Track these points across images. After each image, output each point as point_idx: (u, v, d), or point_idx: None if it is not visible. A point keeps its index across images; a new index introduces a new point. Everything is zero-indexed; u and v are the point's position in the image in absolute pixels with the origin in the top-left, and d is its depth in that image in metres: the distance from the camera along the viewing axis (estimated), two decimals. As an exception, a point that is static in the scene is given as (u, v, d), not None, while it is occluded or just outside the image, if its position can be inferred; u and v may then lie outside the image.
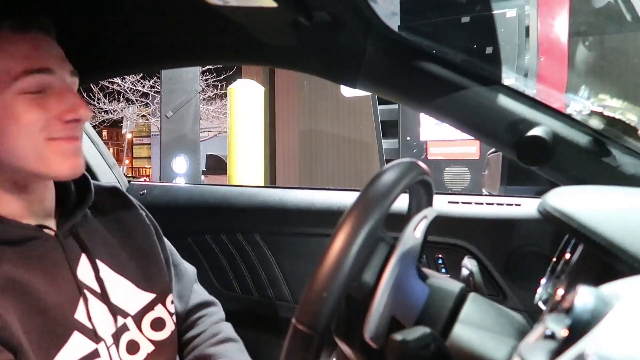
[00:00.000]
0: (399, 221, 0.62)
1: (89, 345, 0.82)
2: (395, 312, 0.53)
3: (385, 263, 0.53)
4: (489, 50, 1.03)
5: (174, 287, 1.04)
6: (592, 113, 0.92)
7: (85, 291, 0.85)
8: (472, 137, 0.98)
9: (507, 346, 0.50)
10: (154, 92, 11.35)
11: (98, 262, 0.89)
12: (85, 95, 6.63)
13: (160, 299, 0.95)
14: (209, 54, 1.17)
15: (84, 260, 0.87)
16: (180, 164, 6.35)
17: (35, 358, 0.76)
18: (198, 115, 6.90)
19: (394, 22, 0.97)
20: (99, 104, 12.89)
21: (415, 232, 0.56)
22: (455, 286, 0.57)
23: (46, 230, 0.84)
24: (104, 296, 0.87)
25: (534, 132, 0.86)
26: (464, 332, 0.52)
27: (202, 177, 7.76)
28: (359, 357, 0.57)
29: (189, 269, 1.12)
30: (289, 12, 0.90)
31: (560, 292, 0.52)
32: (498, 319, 0.54)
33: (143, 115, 14.56)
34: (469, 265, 0.65)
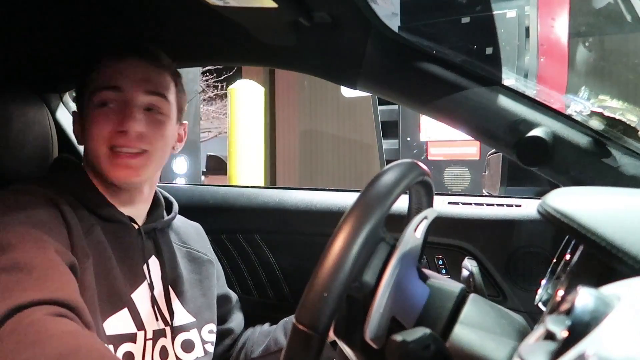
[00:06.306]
0: (400, 222, 0.62)
1: (131, 327, 0.90)
2: (396, 312, 0.53)
3: (385, 263, 0.53)
4: (489, 50, 1.03)
5: (230, 315, 1.18)
6: (593, 114, 0.92)
7: (147, 281, 0.96)
8: (472, 138, 0.98)
9: (508, 347, 0.50)
10: (154, 93, 11.33)
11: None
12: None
13: (198, 325, 1.03)
14: (209, 54, 1.17)
15: (154, 260, 1.00)
16: (180, 165, 6.34)
17: (92, 312, 0.82)
18: (198, 116, 6.89)
19: (394, 23, 0.97)
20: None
21: (415, 233, 0.56)
22: (456, 287, 0.57)
23: (133, 223, 0.97)
24: (163, 294, 0.98)
25: (534, 132, 0.86)
26: (464, 333, 0.52)
27: (202, 177, 7.75)
28: (359, 358, 0.57)
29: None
30: (289, 13, 0.90)
31: (561, 293, 0.51)
32: (498, 320, 0.54)
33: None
34: (469, 266, 0.65)
